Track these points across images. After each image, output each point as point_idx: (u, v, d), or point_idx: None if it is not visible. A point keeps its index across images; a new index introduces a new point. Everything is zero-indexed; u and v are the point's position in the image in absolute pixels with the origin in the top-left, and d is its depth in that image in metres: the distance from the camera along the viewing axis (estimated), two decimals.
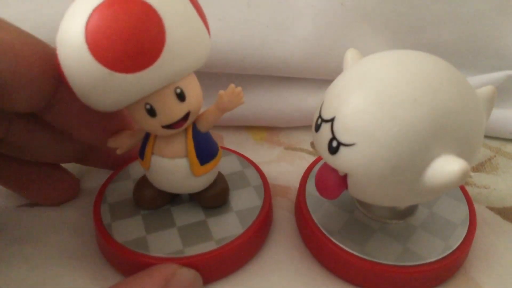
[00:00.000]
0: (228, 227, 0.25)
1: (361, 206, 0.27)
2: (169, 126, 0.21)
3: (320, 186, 0.23)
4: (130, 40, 0.17)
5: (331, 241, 0.24)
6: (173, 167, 0.23)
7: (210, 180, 0.25)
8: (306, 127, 0.38)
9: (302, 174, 0.30)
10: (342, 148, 0.21)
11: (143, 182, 0.26)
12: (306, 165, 0.31)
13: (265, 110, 0.36)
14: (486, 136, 0.37)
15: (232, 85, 0.22)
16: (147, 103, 0.20)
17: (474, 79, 0.36)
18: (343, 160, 0.21)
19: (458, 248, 0.24)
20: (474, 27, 0.37)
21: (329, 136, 0.21)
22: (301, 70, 0.35)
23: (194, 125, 0.23)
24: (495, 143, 0.37)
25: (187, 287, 0.22)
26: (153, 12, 0.18)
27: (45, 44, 0.21)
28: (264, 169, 0.31)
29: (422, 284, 0.24)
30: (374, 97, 0.20)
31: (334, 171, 0.22)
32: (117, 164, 0.30)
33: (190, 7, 0.19)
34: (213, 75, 0.36)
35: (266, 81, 0.36)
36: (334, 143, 0.21)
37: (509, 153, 0.36)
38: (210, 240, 0.24)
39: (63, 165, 0.30)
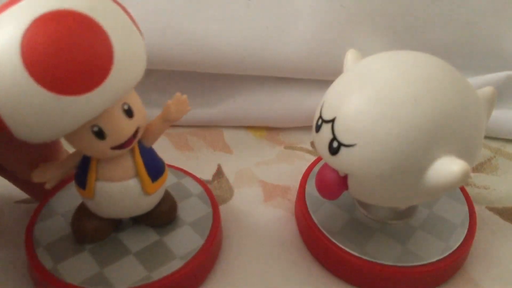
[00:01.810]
0: (187, 241, 0.24)
1: (361, 206, 0.27)
2: (119, 147, 0.20)
3: (321, 187, 0.23)
4: (78, 58, 0.16)
5: (331, 241, 0.24)
6: (124, 190, 0.21)
7: (160, 197, 0.24)
8: (307, 127, 0.38)
9: (302, 174, 0.30)
10: (342, 149, 0.21)
11: (82, 213, 0.23)
12: (306, 165, 0.31)
13: (265, 110, 0.36)
14: (486, 137, 0.37)
15: (178, 94, 0.21)
16: (94, 125, 0.19)
17: (474, 80, 0.36)
18: (343, 161, 0.21)
19: (458, 248, 0.24)
20: (474, 27, 0.37)
21: (330, 136, 0.21)
22: (301, 71, 0.35)
23: (138, 141, 0.22)
24: (495, 144, 0.37)
25: None
26: (97, 26, 0.16)
27: None
28: (264, 169, 0.31)
29: (422, 285, 0.24)
30: (374, 98, 0.20)
31: (334, 171, 0.22)
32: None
33: (126, 17, 0.18)
34: (213, 76, 0.36)
35: (266, 81, 0.36)
36: (335, 144, 0.21)
37: (509, 153, 0.36)
38: (174, 258, 0.23)
39: None
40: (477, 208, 0.27)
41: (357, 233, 0.25)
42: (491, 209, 0.30)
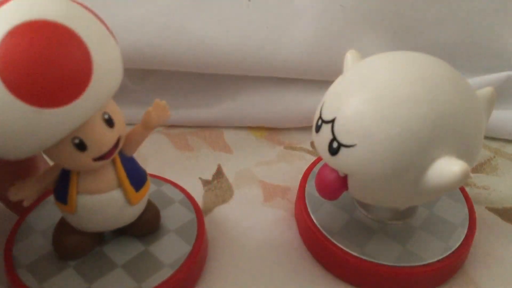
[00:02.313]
0: (173, 248, 0.24)
1: (361, 207, 0.27)
2: (101, 158, 0.19)
3: (320, 187, 0.23)
4: (58, 69, 0.15)
5: (331, 241, 0.25)
6: (107, 202, 0.21)
7: (144, 206, 0.23)
8: (306, 127, 0.38)
9: (302, 174, 0.30)
10: (342, 149, 0.21)
11: (63, 229, 0.23)
12: (306, 165, 0.31)
13: (265, 111, 0.36)
14: (486, 137, 0.37)
15: (157, 100, 0.21)
16: (75, 137, 0.18)
17: (474, 80, 0.36)
18: (343, 161, 0.21)
19: (458, 249, 0.24)
20: (474, 28, 0.37)
21: (330, 137, 0.21)
22: (301, 71, 0.35)
23: (119, 151, 0.21)
24: (494, 144, 0.37)
25: None
26: (75, 36, 0.16)
27: None
28: (264, 169, 0.31)
29: (422, 285, 0.24)
30: (374, 99, 0.20)
31: (334, 172, 0.22)
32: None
33: (101, 25, 0.18)
34: (213, 76, 0.36)
35: (266, 82, 0.36)
36: (335, 144, 0.21)
37: (509, 154, 0.36)
38: (163, 267, 0.23)
39: None
40: (477, 208, 0.27)
41: (357, 234, 0.25)
42: (491, 209, 0.30)
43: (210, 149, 0.35)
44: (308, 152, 0.35)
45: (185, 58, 0.33)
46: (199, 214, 0.26)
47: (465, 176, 0.19)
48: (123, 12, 0.32)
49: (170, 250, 0.24)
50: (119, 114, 0.20)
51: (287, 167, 0.34)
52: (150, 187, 0.25)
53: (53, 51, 0.15)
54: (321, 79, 0.36)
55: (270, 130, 0.37)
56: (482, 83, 0.36)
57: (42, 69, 0.15)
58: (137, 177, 0.22)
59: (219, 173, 0.32)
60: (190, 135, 0.36)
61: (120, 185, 0.21)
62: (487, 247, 0.27)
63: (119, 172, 0.21)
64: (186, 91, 0.37)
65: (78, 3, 0.18)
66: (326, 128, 0.21)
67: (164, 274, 0.22)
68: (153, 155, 0.34)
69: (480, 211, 0.30)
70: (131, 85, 0.37)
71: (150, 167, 0.33)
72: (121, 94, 0.36)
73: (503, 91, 0.36)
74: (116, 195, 0.21)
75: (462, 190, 0.28)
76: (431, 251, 0.24)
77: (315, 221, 0.26)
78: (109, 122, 0.19)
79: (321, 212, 0.26)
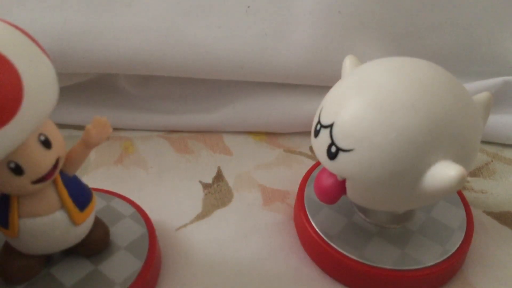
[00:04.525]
0: (124, 266, 0.23)
1: (359, 210, 0.27)
2: (39, 180, 0.19)
3: (319, 191, 0.23)
4: None
5: (330, 245, 0.25)
6: (51, 224, 0.20)
7: (90, 225, 0.22)
8: (305, 132, 0.38)
9: (301, 178, 0.30)
10: (341, 154, 0.21)
11: (7, 253, 0.22)
12: (305, 169, 0.31)
13: (264, 116, 0.36)
14: (483, 142, 0.37)
15: (97, 117, 0.20)
16: (10, 161, 0.17)
17: (471, 85, 0.37)
18: (342, 165, 0.21)
19: (455, 252, 0.24)
20: (471, 33, 0.37)
21: (328, 141, 0.21)
22: (300, 77, 0.35)
23: (60, 171, 0.20)
24: (492, 149, 0.37)
25: None
26: (2, 57, 0.15)
27: None
28: (263, 172, 0.31)
29: None
30: (372, 103, 0.20)
31: (333, 176, 0.22)
32: None
33: (34, 46, 0.17)
34: (212, 82, 0.36)
35: (265, 87, 0.36)
36: (333, 149, 0.21)
37: (506, 158, 0.36)
38: (112, 286, 0.22)
39: None
40: (474, 212, 0.28)
41: (356, 237, 0.25)
42: (489, 213, 0.30)
43: (210, 151, 0.35)
44: (307, 156, 0.36)
45: (185, 64, 0.33)
46: (151, 227, 0.25)
47: (462, 181, 0.19)
48: (124, 19, 0.32)
49: (121, 267, 0.23)
50: (57, 134, 0.19)
51: (286, 171, 0.34)
52: (99, 203, 0.24)
53: None
54: (319, 85, 0.36)
55: (269, 135, 0.38)
56: (479, 88, 0.36)
57: None
58: (81, 196, 0.21)
59: (219, 176, 0.33)
60: (190, 139, 0.36)
61: (63, 206, 0.20)
62: (484, 250, 0.27)
63: (60, 192, 0.20)
64: (186, 97, 0.37)
65: (7, 22, 0.17)
66: (324, 133, 0.22)
67: None
68: (152, 159, 0.34)
69: (478, 215, 0.30)
70: (132, 91, 0.37)
71: (149, 171, 0.33)
72: (122, 100, 0.37)
73: (499, 96, 0.36)
74: (60, 216, 0.20)
75: (460, 194, 0.29)
76: (429, 254, 0.24)
77: (314, 225, 0.26)
78: (46, 143, 0.18)
79: (320, 216, 0.27)
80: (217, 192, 0.31)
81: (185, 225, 0.29)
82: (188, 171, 0.33)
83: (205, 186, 0.32)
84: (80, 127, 0.34)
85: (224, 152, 0.35)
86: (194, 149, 0.35)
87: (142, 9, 0.33)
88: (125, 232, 0.25)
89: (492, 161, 0.36)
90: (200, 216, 0.29)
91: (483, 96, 0.23)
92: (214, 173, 0.33)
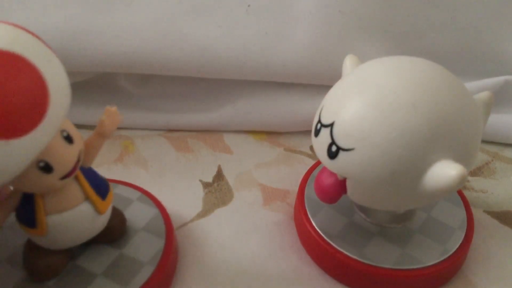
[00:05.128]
0: (147, 245, 0.24)
1: (360, 210, 0.27)
2: (66, 175, 0.19)
3: (320, 190, 0.23)
4: (17, 99, 0.15)
5: (330, 245, 0.25)
6: (78, 217, 0.21)
7: (110, 212, 0.23)
8: (306, 131, 0.38)
9: (301, 177, 0.30)
10: (341, 153, 0.21)
11: (32, 253, 0.22)
12: (305, 168, 0.31)
13: (265, 115, 0.36)
14: (484, 141, 0.37)
15: (108, 107, 0.21)
16: (40, 161, 0.18)
17: (472, 85, 0.37)
18: (342, 165, 0.21)
19: (456, 252, 0.24)
20: (472, 33, 0.37)
21: (329, 141, 0.21)
22: (300, 76, 0.35)
23: None
24: (492, 148, 0.37)
25: None
26: (25, 61, 0.16)
27: None
28: (264, 172, 0.31)
29: None
30: (373, 103, 0.20)
31: (333, 175, 0.22)
32: None
33: (45, 46, 0.18)
34: (213, 81, 0.36)
35: (265, 86, 0.36)
36: (334, 148, 0.21)
37: (507, 157, 0.36)
38: (142, 265, 0.23)
39: None
40: (475, 211, 0.28)
41: (356, 237, 0.25)
42: (489, 212, 0.30)
43: (210, 150, 0.35)
44: (308, 155, 0.36)
45: (185, 63, 0.33)
46: (161, 207, 0.26)
47: (462, 180, 0.19)
48: (124, 18, 0.32)
49: (145, 247, 0.24)
50: (74, 128, 0.20)
51: (286, 171, 0.34)
52: None
53: (10, 82, 0.15)
54: (320, 84, 0.36)
55: (270, 134, 0.38)
56: (480, 88, 0.36)
57: (2, 101, 0.15)
58: (100, 185, 0.22)
59: (219, 175, 0.33)
60: (190, 138, 0.36)
61: (86, 197, 0.21)
62: (485, 250, 0.27)
63: (83, 185, 0.21)
64: (186, 96, 0.37)
65: (20, 27, 0.17)
66: (325, 132, 0.22)
67: (147, 271, 0.23)
68: (153, 158, 0.34)
69: (478, 214, 0.30)
70: (132, 90, 0.37)
71: (150, 170, 0.33)
72: (122, 99, 0.37)
73: (500, 95, 0.36)
74: (85, 207, 0.21)
75: (460, 193, 0.29)
76: (430, 254, 0.24)
77: (314, 224, 0.26)
78: (68, 139, 0.19)
79: (321, 215, 0.27)
80: (217, 191, 0.31)
81: (185, 224, 0.29)
82: (189, 170, 0.33)
83: (206, 185, 0.32)
84: (80, 126, 0.34)
85: (225, 151, 0.35)
86: (194, 148, 0.35)
87: (142, 8, 0.33)
88: (138, 214, 0.26)
89: (492, 160, 0.36)
90: (201, 215, 0.29)
91: (484, 95, 0.23)
92: (214, 172, 0.33)
